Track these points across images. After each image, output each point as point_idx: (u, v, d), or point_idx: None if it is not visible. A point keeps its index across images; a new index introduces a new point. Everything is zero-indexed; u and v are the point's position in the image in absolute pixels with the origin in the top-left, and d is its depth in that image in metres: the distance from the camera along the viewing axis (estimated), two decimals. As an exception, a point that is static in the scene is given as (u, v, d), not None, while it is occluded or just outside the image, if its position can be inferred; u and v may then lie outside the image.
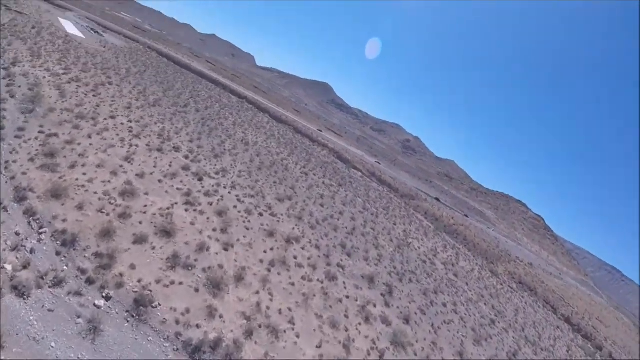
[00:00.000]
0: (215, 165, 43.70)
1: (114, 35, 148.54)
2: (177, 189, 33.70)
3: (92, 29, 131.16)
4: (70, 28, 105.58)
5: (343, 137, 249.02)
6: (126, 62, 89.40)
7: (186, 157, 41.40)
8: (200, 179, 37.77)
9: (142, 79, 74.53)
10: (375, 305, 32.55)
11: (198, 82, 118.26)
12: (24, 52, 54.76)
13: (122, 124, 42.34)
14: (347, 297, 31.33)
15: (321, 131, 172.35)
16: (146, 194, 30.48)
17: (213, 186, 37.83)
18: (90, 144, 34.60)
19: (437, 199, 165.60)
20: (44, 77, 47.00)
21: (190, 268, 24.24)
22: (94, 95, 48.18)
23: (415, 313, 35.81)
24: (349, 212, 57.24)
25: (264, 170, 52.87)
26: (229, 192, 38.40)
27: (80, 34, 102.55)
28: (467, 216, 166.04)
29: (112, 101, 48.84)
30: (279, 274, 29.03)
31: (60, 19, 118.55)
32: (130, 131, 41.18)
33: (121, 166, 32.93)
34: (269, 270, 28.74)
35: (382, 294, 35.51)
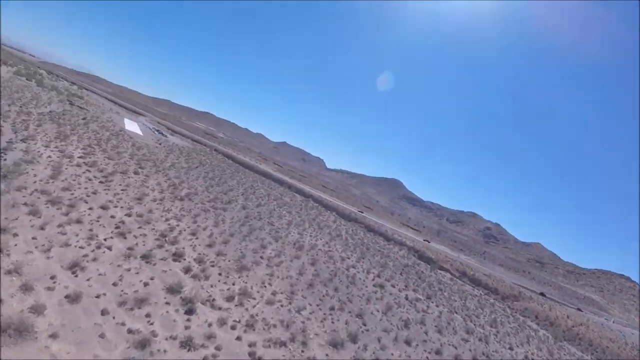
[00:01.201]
0: (233, 284, 28.10)
1: (180, 138, 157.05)
2: (130, 331, 18.34)
3: (157, 130, 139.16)
4: (130, 126, 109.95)
5: (421, 232, 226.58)
6: (177, 157, 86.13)
7: (186, 271, 26.75)
8: (189, 311, 22.13)
9: (186, 174, 67.48)
10: None
11: (259, 181, 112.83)
12: (49, 132, 50.06)
13: (111, 216, 30.43)
14: None
15: (408, 226, 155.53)
16: (53, 336, 15.69)
17: (209, 325, 21.78)
18: (34, 238, 22.31)
19: (542, 294, 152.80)
20: (49, 157, 39.29)
21: None
22: (100, 182, 38.65)
23: None
24: (449, 346, 36.20)
25: (318, 288, 35.87)
26: (239, 338, 21.82)
27: (139, 132, 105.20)
28: (580, 309, 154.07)
29: (121, 190, 38.76)
30: None
31: (126, 119, 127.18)
32: (117, 227, 28.77)
33: (53, 277, 19.31)
34: None
35: None
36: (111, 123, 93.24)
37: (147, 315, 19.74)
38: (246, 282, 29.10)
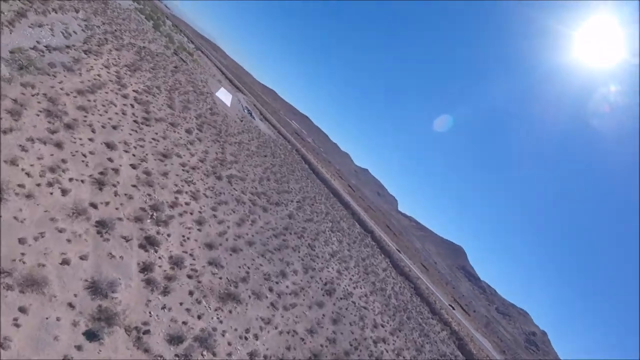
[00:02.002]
0: (197, 318, 19.23)
1: (268, 126, 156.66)
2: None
3: (248, 109, 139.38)
4: (222, 95, 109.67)
5: (471, 316, 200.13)
6: (251, 139, 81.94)
7: (143, 269, 18.42)
8: (89, 335, 13.69)
9: (248, 157, 61.89)
10: None
11: (325, 197, 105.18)
12: (121, 58, 47.28)
13: (108, 159, 23.95)
14: None
15: (452, 307, 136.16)
16: None
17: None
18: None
19: None
20: (96, 74, 35.18)
21: None
22: (133, 121, 33.25)
23: None
24: None
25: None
26: None
27: (227, 103, 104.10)
28: None
29: (151, 139, 32.93)
30: None
31: (222, 88, 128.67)
32: (102, 174, 22.02)
33: None
34: None
35: None
36: (203, 84, 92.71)
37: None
38: (220, 322, 20.05)
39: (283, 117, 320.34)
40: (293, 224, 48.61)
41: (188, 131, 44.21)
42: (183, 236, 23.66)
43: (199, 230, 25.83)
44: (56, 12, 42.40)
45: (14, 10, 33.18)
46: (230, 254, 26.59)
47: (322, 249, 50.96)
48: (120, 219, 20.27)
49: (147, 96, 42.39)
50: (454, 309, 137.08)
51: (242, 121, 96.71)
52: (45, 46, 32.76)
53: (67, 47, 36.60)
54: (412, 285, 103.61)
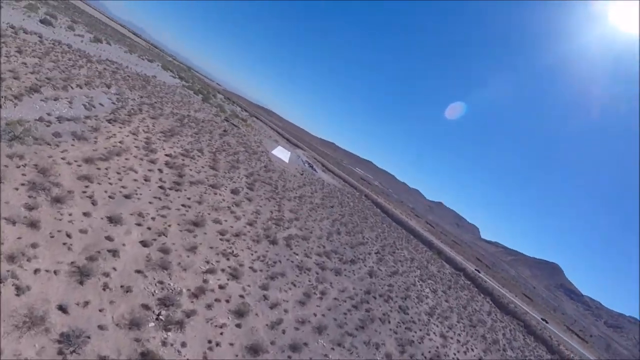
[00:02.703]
0: None
1: (331, 176, 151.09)
2: None
3: (308, 163, 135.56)
4: (279, 152, 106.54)
5: (588, 342, 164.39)
6: (314, 191, 75.45)
7: None
8: None
9: (311, 211, 54.86)
10: None
11: (405, 240, 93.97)
12: (156, 125, 43.85)
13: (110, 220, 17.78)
14: None
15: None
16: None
17: None
18: None
19: None
20: (118, 141, 30.86)
21: None
22: (159, 187, 27.71)
23: None
24: None
25: None
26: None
27: (284, 159, 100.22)
28: None
29: (180, 206, 26.84)
30: None
31: (279, 146, 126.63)
32: (86, 251, 15.64)
33: None
34: None
35: None
36: (257, 144, 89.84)
37: None
38: None
39: (346, 166, 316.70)
40: (376, 283, 39.20)
41: (234, 192, 38.10)
42: (210, 342, 15.77)
43: (238, 326, 17.81)
44: (81, 88, 40.16)
45: (24, 86, 30.36)
46: (289, 356, 18.10)
47: (416, 309, 40.47)
48: (102, 327, 13.18)
49: (183, 159, 37.44)
50: (575, 333, 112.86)
51: (302, 174, 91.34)
52: (57, 117, 28.90)
53: (87, 117, 32.90)
54: (521, 324, 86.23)
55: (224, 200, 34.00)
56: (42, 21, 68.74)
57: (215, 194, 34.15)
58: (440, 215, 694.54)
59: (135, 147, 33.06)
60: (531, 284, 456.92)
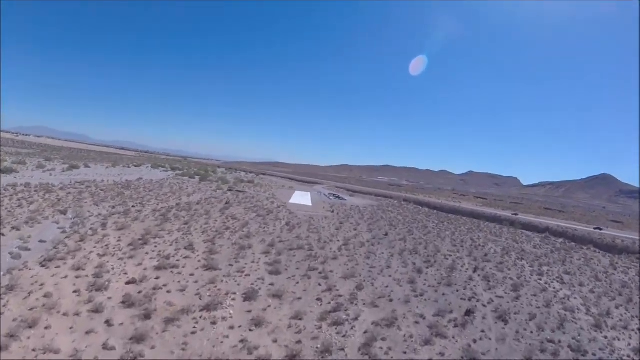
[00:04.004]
0: None
1: (362, 197, 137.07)
2: None
3: (333, 195, 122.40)
4: (298, 198, 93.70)
5: None
6: (356, 225, 61.28)
7: None
8: None
9: (365, 257, 41.12)
10: None
11: (476, 229, 77.48)
12: (131, 231, 31.50)
13: None
14: None
15: None
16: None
17: None
18: None
19: None
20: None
21: None
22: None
23: None
24: None
25: None
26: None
27: (308, 203, 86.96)
28: None
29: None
30: None
31: (296, 192, 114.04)
32: None
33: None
34: None
35: None
36: (270, 200, 77.15)
37: None
38: None
39: (369, 180, 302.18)
40: (519, 331, 24.54)
41: (249, 296, 24.12)
42: None
43: None
44: (18, 229, 29.31)
45: None
46: None
47: (590, 337, 25.32)
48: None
49: (157, 278, 24.31)
50: None
51: (333, 211, 77.46)
52: None
53: (10, 270, 20.68)
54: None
55: (231, 329, 20.04)
56: (3, 171, 65.24)
57: (214, 323, 20.20)
58: (475, 184, 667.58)
59: (74, 291, 20.25)
60: (598, 205, 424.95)
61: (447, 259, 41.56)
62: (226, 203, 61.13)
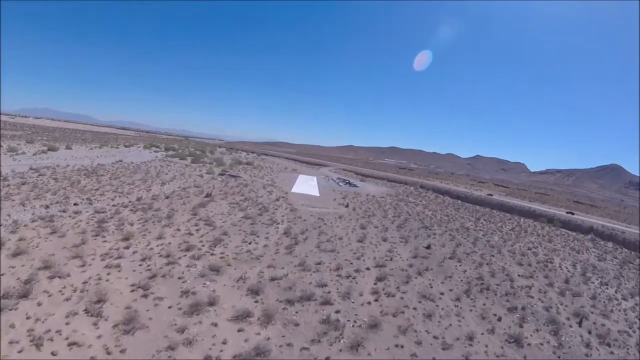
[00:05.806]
0: None
1: (374, 183, 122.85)
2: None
3: (342, 180, 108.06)
4: (304, 186, 79.54)
5: None
6: (380, 219, 47.58)
7: None
8: None
9: (404, 280, 27.51)
10: None
11: (521, 231, 63.40)
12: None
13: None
14: None
15: None
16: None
17: None
18: None
19: None
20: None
21: None
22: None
23: None
24: None
25: None
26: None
27: (315, 193, 72.59)
28: None
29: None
30: None
31: (300, 176, 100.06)
32: None
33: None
34: None
35: None
36: (268, 190, 63.03)
37: None
38: None
39: (376, 162, 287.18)
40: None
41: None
42: None
43: None
44: None
45: None
46: None
47: None
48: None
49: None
50: None
51: (347, 205, 63.27)
52: None
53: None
54: None
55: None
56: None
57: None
58: (483, 168, 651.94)
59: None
60: (616, 197, 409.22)
61: (530, 295, 27.09)
62: (207, 196, 47.03)
